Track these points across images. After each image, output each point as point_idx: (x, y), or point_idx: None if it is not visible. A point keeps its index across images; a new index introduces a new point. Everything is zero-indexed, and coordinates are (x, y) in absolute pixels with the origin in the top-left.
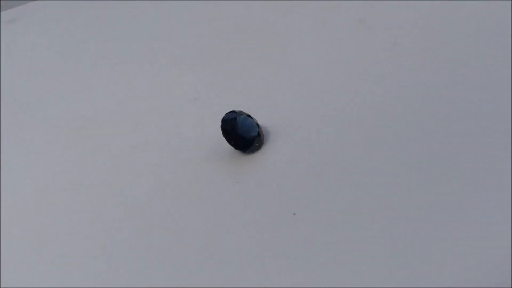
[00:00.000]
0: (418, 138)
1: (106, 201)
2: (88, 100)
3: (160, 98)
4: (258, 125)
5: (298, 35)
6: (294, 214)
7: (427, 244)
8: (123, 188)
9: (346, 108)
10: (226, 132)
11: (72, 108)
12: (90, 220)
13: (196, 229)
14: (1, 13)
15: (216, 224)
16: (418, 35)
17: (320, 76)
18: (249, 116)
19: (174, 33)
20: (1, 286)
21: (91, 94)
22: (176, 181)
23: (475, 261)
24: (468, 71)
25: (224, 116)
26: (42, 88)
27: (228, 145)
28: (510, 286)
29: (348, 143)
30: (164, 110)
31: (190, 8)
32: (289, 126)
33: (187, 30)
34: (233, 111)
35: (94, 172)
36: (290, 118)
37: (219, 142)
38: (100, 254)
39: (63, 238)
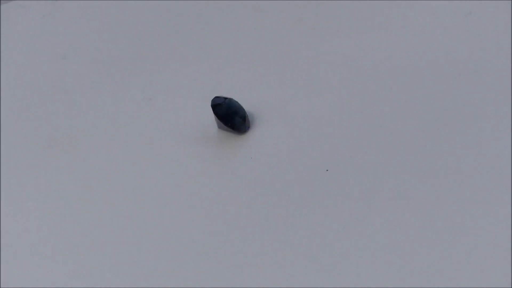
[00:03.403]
0: (402, 113)
1: (105, 205)
2: (61, 116)
3: (124, 103)
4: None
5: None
6: (327, 170)
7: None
8: (124, 189)
9: (320, 89)
10: (220, 115)
11: (46, 124)
12: (93, 221)
13: (222, 207)
14: None
15: (234, 199)
16: None
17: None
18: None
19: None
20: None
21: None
22: (183, 169)
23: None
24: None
25: (213, 101)
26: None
27: (216, 130)
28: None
29: (329, 123)
30: (130, 113)
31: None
32: (263, 108)
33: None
34: (217, 96)
35: (90, 178)
36: (267, 101)
37: (207, 129)
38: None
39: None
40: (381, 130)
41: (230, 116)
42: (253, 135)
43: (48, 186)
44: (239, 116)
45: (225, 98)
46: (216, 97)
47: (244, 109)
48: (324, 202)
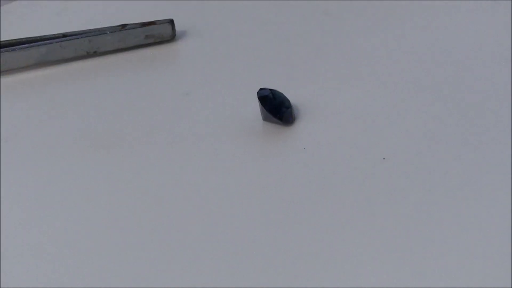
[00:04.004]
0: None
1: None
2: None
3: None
4: None
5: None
6: (384, 158)
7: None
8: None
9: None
10: (268, 107)
11: (86, 123)
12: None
13: (277, 192)
14: None
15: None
16: None
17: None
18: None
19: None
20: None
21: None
22: (236, 163)
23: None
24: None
25: (260, 93)
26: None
27: (261, 122)
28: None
29: (372, 117)
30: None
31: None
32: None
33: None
34: (262, 88)
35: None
36: (312, 95)
37: (252, 122)
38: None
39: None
40: (427, 117)
41: (278, 108)
42: (300, 127)
43: (95, 183)
44: (285, 107)
45: (271, 90)
46: (262, 89)
47: (289, 100)
48: (385, 191)
